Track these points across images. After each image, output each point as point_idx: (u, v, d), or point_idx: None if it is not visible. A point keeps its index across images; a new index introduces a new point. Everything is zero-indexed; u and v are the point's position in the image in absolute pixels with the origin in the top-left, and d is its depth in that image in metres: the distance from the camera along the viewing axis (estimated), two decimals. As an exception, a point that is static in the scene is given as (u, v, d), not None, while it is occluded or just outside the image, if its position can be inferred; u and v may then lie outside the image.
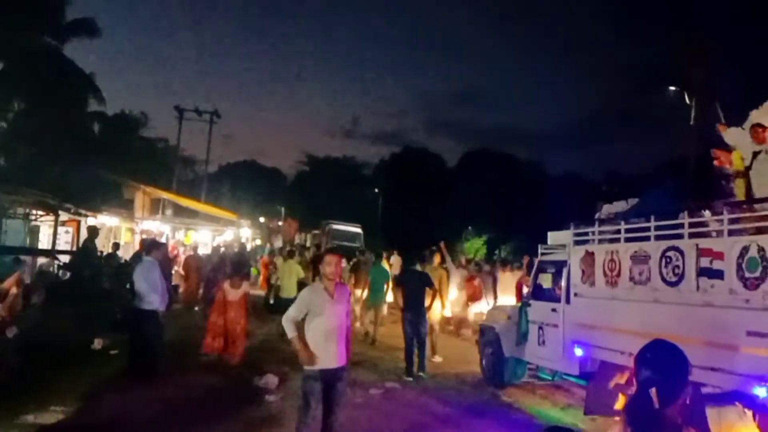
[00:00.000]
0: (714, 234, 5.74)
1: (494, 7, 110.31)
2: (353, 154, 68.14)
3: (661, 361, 2.11)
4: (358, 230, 31.68)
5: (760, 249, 5.08)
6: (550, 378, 8.64)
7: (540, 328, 8.27)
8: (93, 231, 13.47)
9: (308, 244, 27.15)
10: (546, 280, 8.38)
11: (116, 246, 15.17)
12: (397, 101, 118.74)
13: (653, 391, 2.03)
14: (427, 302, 9.86)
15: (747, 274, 5.18)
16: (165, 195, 23.93)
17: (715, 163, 6.88)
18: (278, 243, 26.46)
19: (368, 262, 14.29)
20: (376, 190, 49.88)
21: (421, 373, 9.55)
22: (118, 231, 19.05)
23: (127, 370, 8.20)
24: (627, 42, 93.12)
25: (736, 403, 5.26)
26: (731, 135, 6.61)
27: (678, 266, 5.90)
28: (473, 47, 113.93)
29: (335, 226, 31.46)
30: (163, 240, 18.32)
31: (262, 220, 34.48)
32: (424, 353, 9.80)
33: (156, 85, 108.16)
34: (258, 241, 24.83)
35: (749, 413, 5.20)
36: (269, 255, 19.14)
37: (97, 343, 9.73)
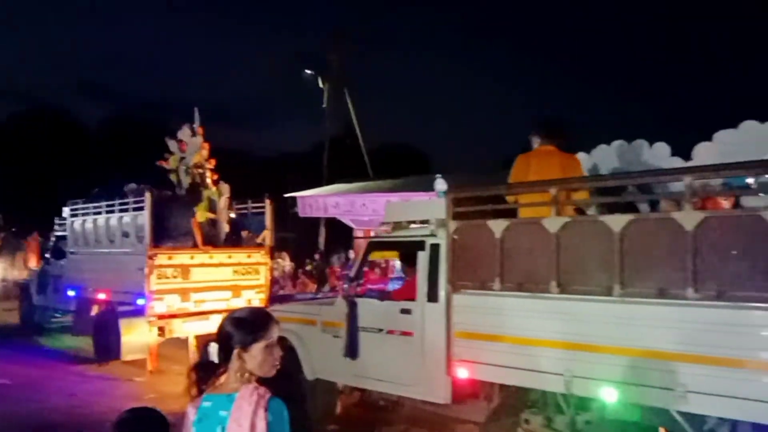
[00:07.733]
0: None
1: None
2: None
3: (229, 324, 2.39)
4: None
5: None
6: (59, 316, 11.68)
7: (48, 281, 11.71)
8: None
9: None
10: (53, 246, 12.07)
11: None
12: (28, 55, 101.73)
13: (212, 346, 2.39)
14: None
15: (140, 234, 9.20)
16: None
17: (159, 162, 10.12)
18: None
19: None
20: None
21: None
22: None
23: None
24: (290, 20, 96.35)
25: (142, 316, 8.79)
26: (172, 144, 10.10)
27: (114, 231, 9.85)
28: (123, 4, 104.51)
29: None
30: None
31: None
32: None
33: None
34: None
35: (152, 321, 8.71)
36: None
37: None
